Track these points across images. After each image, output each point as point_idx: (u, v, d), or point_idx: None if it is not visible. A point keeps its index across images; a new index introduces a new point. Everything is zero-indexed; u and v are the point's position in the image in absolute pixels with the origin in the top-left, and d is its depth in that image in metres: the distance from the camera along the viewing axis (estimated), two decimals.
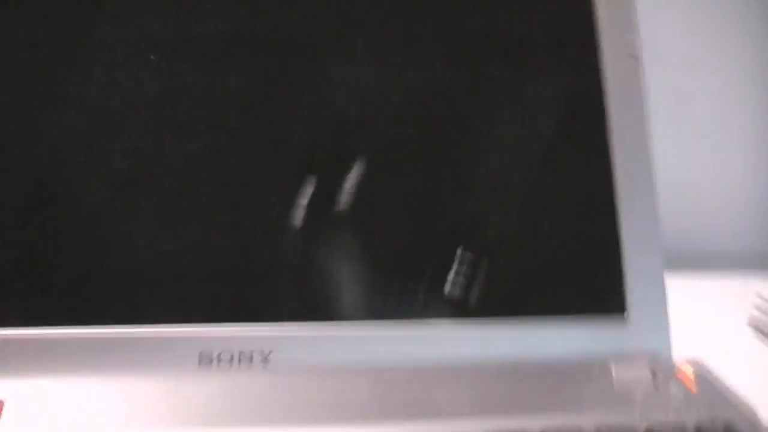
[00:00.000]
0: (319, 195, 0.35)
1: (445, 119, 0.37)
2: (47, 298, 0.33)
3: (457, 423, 0.30)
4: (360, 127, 0.36)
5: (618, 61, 0.38)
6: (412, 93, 0.37)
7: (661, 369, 0.34)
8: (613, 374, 0.33)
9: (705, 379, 0.34)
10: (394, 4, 0.38)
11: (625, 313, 0.36)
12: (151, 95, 0.35)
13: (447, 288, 0.35)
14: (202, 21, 0.36)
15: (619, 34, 0.38)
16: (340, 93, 0.36)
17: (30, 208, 0.34)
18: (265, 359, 0.33)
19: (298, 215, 0.35)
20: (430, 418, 0.30)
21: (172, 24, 0.36)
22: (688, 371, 0.34)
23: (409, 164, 0.36)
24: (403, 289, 0.35)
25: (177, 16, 0.36)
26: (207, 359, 0.33)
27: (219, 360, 0.33)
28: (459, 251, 0.35)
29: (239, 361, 0.33)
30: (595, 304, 0.36)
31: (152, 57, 0.35)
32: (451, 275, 0.35)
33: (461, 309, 0.35)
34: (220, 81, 0.35)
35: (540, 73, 0.38)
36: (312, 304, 0.34)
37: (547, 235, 0.37)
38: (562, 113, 0.38)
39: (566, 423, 0.30)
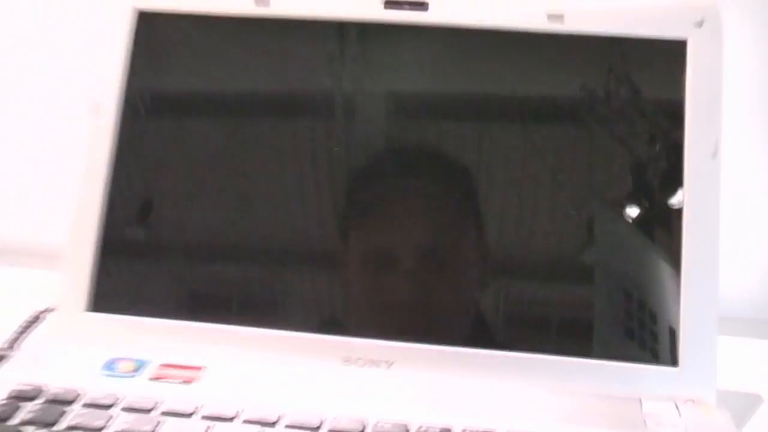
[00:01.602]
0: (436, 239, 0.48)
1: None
2: (251, 310, 0.48)
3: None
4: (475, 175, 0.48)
5: (699, 159, 0.47)
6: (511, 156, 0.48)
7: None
8: (643, 406, 0.43)
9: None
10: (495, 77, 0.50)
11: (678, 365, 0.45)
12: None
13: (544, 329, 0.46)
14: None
15: (703, 127, 0.47)
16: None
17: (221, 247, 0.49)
18: (388, 366, 0.46)
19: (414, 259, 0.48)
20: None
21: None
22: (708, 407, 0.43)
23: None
24: (496, 326, 0.47)
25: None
26: (348, 361, 0.46)
27: (354, 363, 0.46)
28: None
29: (370, 364, 0.46)
30: (656, 356, 0.45)
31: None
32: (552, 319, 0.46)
33: (563, 346, 0.46)
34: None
35: (634, 160, 0.48)
36: (425, 330, 0.47)
37: (623, 299, 0.47)
38: (648, 197, 0.48)
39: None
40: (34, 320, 0.50)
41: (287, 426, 0.41)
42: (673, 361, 0.45)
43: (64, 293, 0.48)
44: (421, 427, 0.41)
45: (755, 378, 0.53)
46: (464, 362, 0.45)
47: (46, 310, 0.50)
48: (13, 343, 0.48)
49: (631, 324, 0.46)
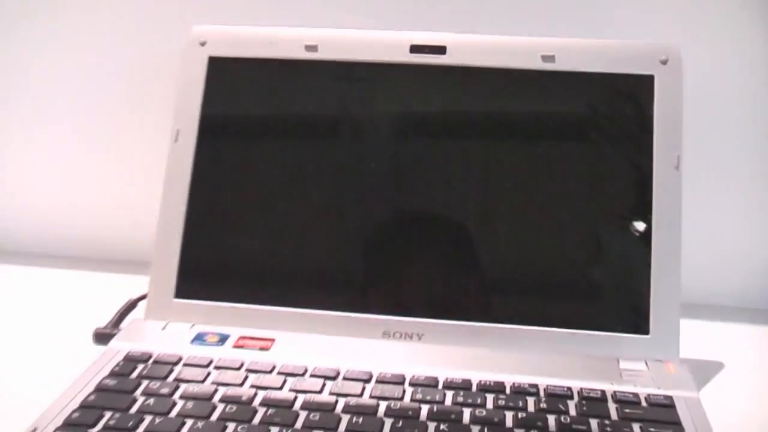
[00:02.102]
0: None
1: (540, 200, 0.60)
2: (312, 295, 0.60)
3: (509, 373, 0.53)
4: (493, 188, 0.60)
5: (665, 171, 0.59)
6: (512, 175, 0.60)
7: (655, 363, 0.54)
8: (620, 364, 0.55)
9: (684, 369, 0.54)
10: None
11: (649, 334, 0.56)
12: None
13: (535, 303, 0.58)
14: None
15: (668, 145, 0.59)
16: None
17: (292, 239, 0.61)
18: (419, 338, 0.58)
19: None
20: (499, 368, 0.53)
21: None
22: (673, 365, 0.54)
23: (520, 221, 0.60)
24: (503, 303, 0.58)
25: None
26: (388, 335, 0.58)
27: (394, 337, 0.58)
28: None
29: (405, 337, 0.58)
30: (629, 324, 0.57)
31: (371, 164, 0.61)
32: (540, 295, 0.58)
33: (556, 319, 0.57)
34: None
35: (613, 169, 0.60)
36: (446, 310, 0.58)
37: (606, 283, 0.59)
38: (625, 198, 0.60)
39: (563, 384, 0.52)
40: (130, 306, 0.62)
41: (344, 378, 0.52)
42: (645, 331, 0.57)
43: (155, 284, 0.60)
44: (446, 378, 0.52)
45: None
46: (476, 334, 0.57)
47: (139, 299, 0.62)
48: (116, 324, 0.60)
49: (612, 302, 0.58)
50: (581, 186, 0.60)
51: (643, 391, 0.52)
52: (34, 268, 0.77)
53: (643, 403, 0.51)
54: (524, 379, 0.53)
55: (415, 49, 0.63)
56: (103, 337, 0.58)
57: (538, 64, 0.62)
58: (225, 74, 0.64)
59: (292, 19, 0.68)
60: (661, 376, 0.54)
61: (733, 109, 0.71)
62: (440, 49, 0.62)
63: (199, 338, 0.57)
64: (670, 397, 0.51)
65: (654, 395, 0.52)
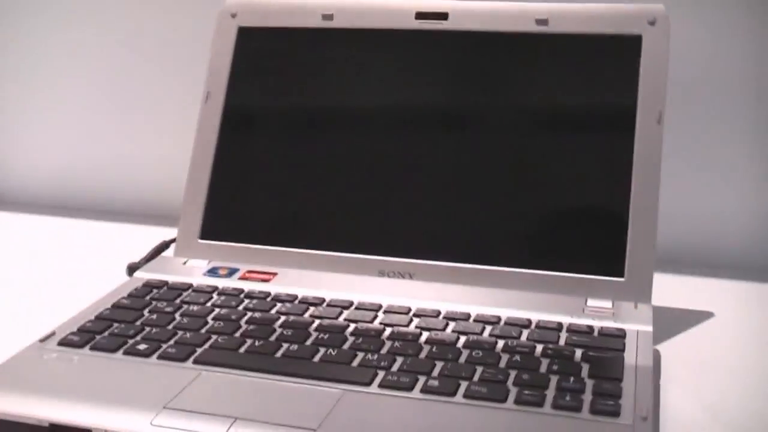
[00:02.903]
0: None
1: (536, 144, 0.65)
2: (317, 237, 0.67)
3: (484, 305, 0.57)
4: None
5: (647, 125, 0.62)
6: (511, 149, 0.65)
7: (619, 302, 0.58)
8: (587, 302, 0.59)
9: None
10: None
11: (624, 276, 0.60)
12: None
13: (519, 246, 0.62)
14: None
15: (651, 100, 0.62)
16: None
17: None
18: (410, 276, 0.63)
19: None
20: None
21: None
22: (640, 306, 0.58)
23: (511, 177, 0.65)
24: (483, 244, 0.63)
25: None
26: (382, 274, 0.64)
27: (387, 275, 0.63)
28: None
29: (398, 275, 0.63)
30: (605, 268, 0.61)
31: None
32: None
33: (538, 262, 0.62)
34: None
35: (600, 120, 0.64)
36: (437, 249, 0.64)
37: (582, 223, 0.62)
38: (609, 149, 0.63)
39: (526, 316, 0.56)
40: (163, 246, 0.70)
41: (328, 305, 0.59)
42: (621, 274, 0.60)
43: (183, 228, 0.67)
44: (449, 311, 0.58)
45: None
46: (463, 274, 0.62)
47: (171, 241, 0.70)
48: (148, 260, 0.68)
49: (591, 246, 0.62)
50: (569, 138, 0.65)
51: (599, 324, 0.56)
52: (83, 221, 0.89)
53: (595, 334, 0.55)
54: (490, 311, 0.58)
55: (420, 15, 0.68)
56: (134, 269, 0.66)
57: (533, 27, 0.66)
58: (252, 42, 0.71)
59: None
60: (623, 312, 0.57)
61: (720, 67, 0.74)
62: (443, 15, 0.68)
63: (212, 271, 0.64)
64: (622, 330, 0.55)
65: (607, 327, 0.56)
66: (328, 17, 0.70)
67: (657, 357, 0.58)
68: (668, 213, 0.65)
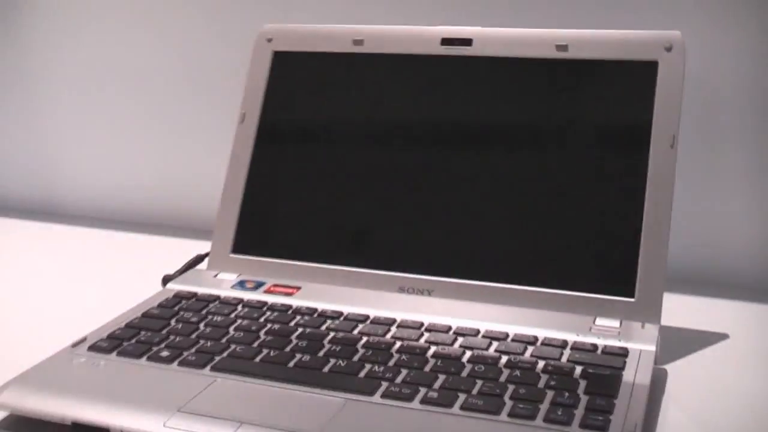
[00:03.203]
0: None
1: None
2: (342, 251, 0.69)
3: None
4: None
5: (661, 149, 0.64)
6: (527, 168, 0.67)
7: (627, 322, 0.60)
8: (595, 321, 0.60)
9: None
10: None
11: (634, 297, 0.62)
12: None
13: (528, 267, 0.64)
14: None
15: (666, 125, 0.64)
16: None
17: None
18: (429, 293, 0.66)
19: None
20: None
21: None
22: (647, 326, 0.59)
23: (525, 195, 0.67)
24: (499, 262, 0.65)
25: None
26: (402, 290, 0.66)
27: (407, 291, 0.66)
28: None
29: (417, 292, 0.66)
30: (617, 288, 0.62)
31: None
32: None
33: (551, 281, 0.64)
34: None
35: (616, 143, 0.66)
36: (456, 267, 0.66)
37: (596, 245, 0.64)
38: (624, 171, 0.65)
39: (533, 333, 0.58)
40: (198, 260, 0.74)
41: (345, 319, 0.61)
42: (631, 295, 0.62)
43: (216, 242, 0.71)
44: (459, 327, 0.60)
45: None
46: (479, 291, 0.64)
47: (206, 255, 0.73)
48: (182, 272, 0.72)
49: (603, 267, 0.64)
50: (585, 160, 0.66)
51: (603, 342, 0.58)
52: (127, 233, 0.95)
53: (598, 352, 0.57)
54: (499, 327, 0.60)
55: (446, 41, 0.71)
56: (168, 281, 0.70)
57: (553, 53, 0.68)
58: (286, 66, 0.75)
59: (344, 18, 0.77)
60: (630, 332, 0.59)
61: (732, 91, 0.75)
62: (467, 42, 0.70)
63: (240, 284, 0.68)
64: (625, 349, 0.57)
65: (611, 346, 0.57)
66: (358, 42, 0.73)
67: (662, 376, 0.60)
68: (687, 233, 0.66)
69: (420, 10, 0.82)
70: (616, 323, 0.60)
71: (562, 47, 0.68)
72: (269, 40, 0.75)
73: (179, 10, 0.93)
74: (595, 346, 0.57)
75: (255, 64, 0.75)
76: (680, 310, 0.69)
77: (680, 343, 0.65)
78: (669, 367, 0.61)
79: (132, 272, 0.79)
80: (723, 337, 0.67)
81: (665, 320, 0.66)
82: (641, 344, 0.58)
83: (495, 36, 0.70)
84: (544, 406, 0.50)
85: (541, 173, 0.67)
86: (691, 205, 0.77)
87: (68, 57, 0.99)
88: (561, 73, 0.68)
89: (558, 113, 0.68)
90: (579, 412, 0.49)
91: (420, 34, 0.72)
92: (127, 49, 0.96)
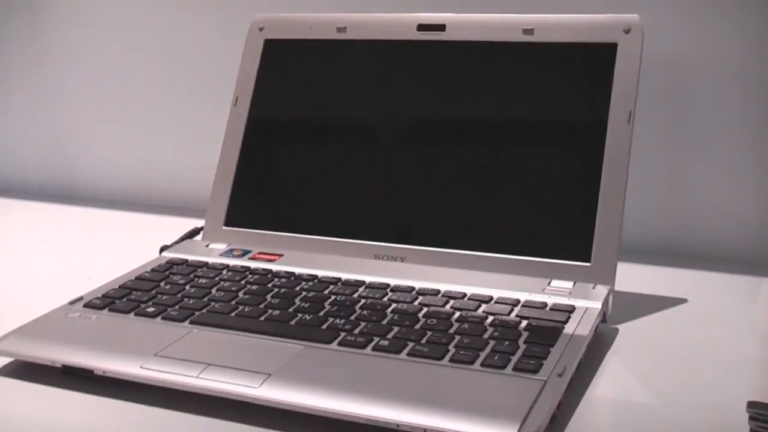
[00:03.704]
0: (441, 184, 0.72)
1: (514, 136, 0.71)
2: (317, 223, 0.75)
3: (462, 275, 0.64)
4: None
5: (618, 124, 0.68)
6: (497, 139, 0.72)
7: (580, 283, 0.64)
8: (550, 283, 0.65)
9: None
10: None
11: (591, 262, 0.66)
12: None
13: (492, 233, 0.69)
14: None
15: (623, 102, 0.68)
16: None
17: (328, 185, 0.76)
18: (402, 260, 0.71)
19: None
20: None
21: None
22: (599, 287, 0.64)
23: (489, 173, 0.71)
24: (466, 232, 0.70)
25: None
26: (378, 257, 0.71)
27: (381, 258, 0.71)
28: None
29: (390, 259, 0.71)
30: (574, 253, 0.67)
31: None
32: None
33: (511, 247, 0.68)
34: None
35: (576, 118, 0.70)
36: (427, 237, 0.71)
37: (555, 213, 0.69)
38: (584, 145, 0.69)
39: (487, 293, 0.63)
40: (194, 232, 0.80)
41: (319, 281, 0.67)
42: (588, 259, 0.66)
43: (210, 216, 0.77)
44: (422, 288, 0.65)
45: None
46: (449, 258, 0.69)
47: (201, 228, 0.79)
48: (176, 243, 0.78)
49: (561, 234, 0.68)
50: (548, 135, 0.71)
51: (553, 301, 0.62)
52: (127, 212, 1.02)
53: (547, 309, 0.61)
54: (459, 288, 0.65)
55: (421, 27, 0.76)
56: (164, 250, 0.76)
57: (520, 37, 0.73)
58: (276, 53, 0.80)
59: (329, 7, 0.83)
60: (580, 292, 0.63)
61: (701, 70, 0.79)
62: (441, 27, 0.75)
63: (228, 252, 0.74)
64: (572, 306, 0.61)
65: (559, 303, 0.62)
66: (342, 30, 0.78)
67: (612, 334, 0.64)
68: (659, 208, 0.71)
69: None
70: (569, 285, 0.65)
71: (529, 31, 0.73)
72: (261, 29, 0.81)
73: (181, 7, 0.99)
74: (544, 304, 0.62)
75: (248, 51, 0.81)
76: (646, 279, 0.74)
77: (638, 306, 0.69)
78: (621, 326, 0.66)
79: (135, 245, 0.85)
80: (681, 301, 0.71)
81: (631, 288, 0.71)
82: (588, 302, 0.62)
83: (466, 21, 0.75)
84: (484, 353, 0.55)
85: (505, 148, 0.72)
86: (668, 185, 0.81)
87: (82, 50, 1.05)
88: (527, 55, 0.73)
89: (523, 92, 0.73)
90: (515, 358, 0.54)
91: (398, 20, 0.77)
92: (135, 43, 1.02)
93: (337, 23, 0.79)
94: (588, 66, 0.71)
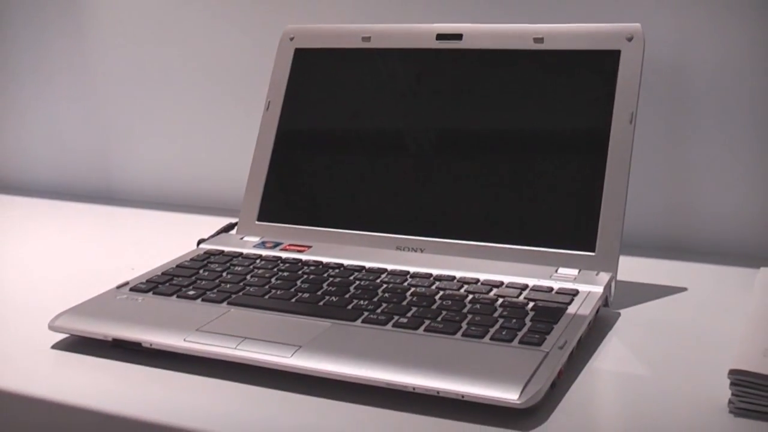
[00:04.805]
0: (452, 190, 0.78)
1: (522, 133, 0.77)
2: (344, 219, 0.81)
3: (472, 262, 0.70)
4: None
5: (621, 125, 0.74)
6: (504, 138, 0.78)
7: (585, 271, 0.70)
8: (558, 270, 0.70)
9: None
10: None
11: (595, 251, 0.71)
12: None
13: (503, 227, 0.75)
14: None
15: (626, 104, 0.74)
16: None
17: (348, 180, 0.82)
18: (421, 251, 0.77)
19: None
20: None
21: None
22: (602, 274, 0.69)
23: (498, 173, 0.77)
24: (482, 225, 0.76)
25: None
26: (399, 248, 0.77)
27: (403, 249, 0.77)
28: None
29: (411, 250, 0.77)
30: (580, 243, 0.72)
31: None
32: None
33: (521, 239, 0.74)
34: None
35: (583, 118, 0.76)
36: (445, 229, 0.77)
37: (562, 206, 0.74)
38: (589, 144, 0.75)
39: (498, 279, 0.68)
40: (229, 227, 0.86)
41: (346, 267, 0.73)
42: (592, 249, 0.72)
43: (244, 212, 0.83)
44: (439, 274, 0.71)
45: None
46: (466, 249, 0.75)
47: (236, 223, 0.85)
48: (212, 237, 0.84)
49: (568, 226, 0.74)
50: (556, 136, 0.77)
51: (559, 285, 0.68)
52: (166, 212, 1.10)
53: (553, 293, 0.67)
54: (473, 275, 0.70)
55: (440, 37, 0.82)
56: (201, 242, 0.82)
57: (531, 45, 0.79)
58: (306, 61, 0.87)
59: (355, 17, 0.89)
60: (585, 278, 0.69)
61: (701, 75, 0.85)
62: (458, 36, 0.81)
63: (261, 244, 0.80)
64: (575, 290, 0.67)
65: (564, 288, 0.67)
66: (366, 39, 0.84)
67: (614, 317, 0.69)
68: (665, 203, 0.76)
69: (417, 10, 0.94)
70: (575, 272, 0.70)
71: (539, 39, 0.78)
72: (291, 39, 0.87)
73: (217, 21, 1.06)
74: (551, 288, 0.67)
75: (279, 60, 0.87)
76: (649, 270, 0.79)
77: (641, 294, 0.75)
78: (623, 311, 0.71)
79: (174, 241, 0.92)
80: (681, 290, 0.77)
81: (634, 278, 0.77)
82: (591, 287, 0.67)
83: (482, 31, 0.81)
84: (494, 329, 0.60)
85: (516, 148, 0.78)
86: (671, 184, 0.87)
87: (123, 60, 1.13)
88: (537, 62, 0.79)
89: (534, 95, 0.79)
90: (522, 333, 0.59)
91: (418, 30, 0.83)
92: (173, 52, 1.09)
93: (362, 33, 0.85)
94: (593, 71, 0.77)
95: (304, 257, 0.76)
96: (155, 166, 1.14)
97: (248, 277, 0.72)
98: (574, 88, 0.77)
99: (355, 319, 0.63)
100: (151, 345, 0.61)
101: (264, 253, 0.78)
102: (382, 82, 0.84)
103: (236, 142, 1.05)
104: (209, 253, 0.78)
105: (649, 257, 0.85)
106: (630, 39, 0.75)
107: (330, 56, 0.86)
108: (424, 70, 0.82)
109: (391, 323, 0.62)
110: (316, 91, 0.86)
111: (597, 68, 0.77)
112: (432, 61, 0.82)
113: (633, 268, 0.79)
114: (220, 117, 1.09)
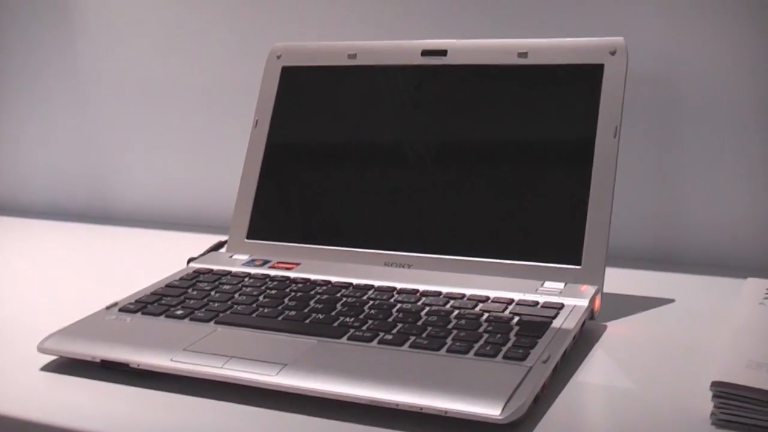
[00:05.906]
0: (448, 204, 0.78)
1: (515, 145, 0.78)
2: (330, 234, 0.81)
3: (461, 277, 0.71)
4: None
5: (605, 139, 0.74)
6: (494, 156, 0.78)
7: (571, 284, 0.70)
8: (544, 284, 0.71)
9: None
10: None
11: (581, 265, 0.72)
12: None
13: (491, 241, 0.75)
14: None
15: (610, 118, 0.74)
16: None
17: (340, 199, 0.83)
18: (409, 267, 0.77)
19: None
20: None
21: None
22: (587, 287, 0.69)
23: (493, 184, 0.78)
24: (468, 240, 0.76)
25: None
26: (387, 264, 0.78)
27: (390, 265, 0.77)
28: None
29: (398, 266, 0.77)
30: (565, 257, 0.73)
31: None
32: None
33: (507, 253, 0.75)
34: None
35: (566, 133, 0.76)
36: (432, 245, 0.77)
37: (547, 220, 0.75)
38: (573, 158, 0.75)
39: (484, 294, 0.69)
40: (219, 245, 0.87)
41: (332, 285, 0.73)
42: (578, 262, 0.72)
43: (234, 230, 0.84)
44: (425, 290, 0.71)
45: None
46: (453, 264, 0.75)
47: (225, 241, 0.86)
48: (202, 255, 0.85)
49: (554, 240, 0.74)
50: (541, 150, 0.77)
51: (544, 299, 0.68)
52: (157, 230, 1.10)
53: (538, 307, 0.67)
54: (459, 290, 0.71)
55: (425, 53, 0.83)
56: (191, 261, 0.83)
57: (515, 60, 0.79)
58: (293, 78, 0.87)
59: (340, 35, 0.90)
60: (570, 292, 0.69)
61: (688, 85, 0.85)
62: (443, 52, 0.82)
63: (250, 262, 0.80)
64: (561, 303, 0.67)
65: (549, 302, 0.68)
66: (352, 56, 0.85)
67: (600, 329, 0.70)
68: (651, 215, 0.77)
69: (402, 27, 0.94)
70: (560, 285, 0.71)
71: (523, 54, 0.79)
72: (278, 57, 0.88)
73: (205, 39, 1.07)
74: (536, 303, 0.68)
75: (266, 78, 0.88)
76: (636, 282, 0.80)
77: (627, 306, 0.75)
78: (610, 323, 0.71)
79: (165, 259, 0.92)
80: (668, 301, 0.77)
81: (621, 290, 0.77)
82: (577, 300, 0.68)
83: (466, 47, 0.81)
84: (478, 345, 0.61)
85: (502, 163, 0.78)
86: (656, 196, 0.87)
87: (113, 82, 1.13)
88: (522, 76, 0.79)
89: (518, 110, 0.79)
90: (506, 348, 0.60)
91: (403, 47, 0.84)
92: (162, 72, 1.10)
93: (348, 50, 0.85)
94: (577, 85, 0.77)
95: (292, 275, 0.77)
96: (145, 186, 1.15)
97: (236, 295, 0.72)
98: (559, 103, 0.78)
99: (340, 336, 0.63)
100: (138, 365, 0.62)
101: (252, 271, 0.78)
102: (368, 99, 0.85)
103: (226, 159, 1.05)
104: (198, 272, 0.79)
105: (637, 268, 0.85)
106: (613, 53, 0.76)
107: (317, 74, 0.87)
108: (409, 86, 0.83)
109: (376, 340, 0.62)
110: (304, 108, 0.87)
111: (581, 82, 0.77)
112: (417, 77, 0.83)
113: (620, 280, 0.79)
114: (208, 135, 1.10)
